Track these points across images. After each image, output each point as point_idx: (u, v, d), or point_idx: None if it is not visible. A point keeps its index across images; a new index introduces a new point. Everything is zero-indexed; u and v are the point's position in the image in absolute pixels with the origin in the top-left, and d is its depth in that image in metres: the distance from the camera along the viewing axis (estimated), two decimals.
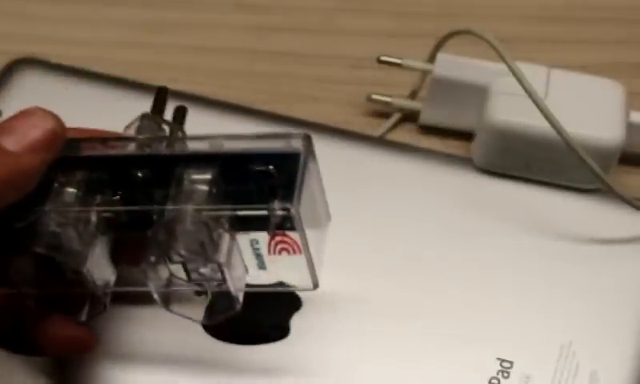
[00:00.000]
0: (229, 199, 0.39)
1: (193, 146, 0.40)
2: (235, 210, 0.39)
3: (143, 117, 0.42)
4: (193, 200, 0.39)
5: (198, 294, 0.41)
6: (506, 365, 0.44)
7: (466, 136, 0.53)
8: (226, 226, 0.39)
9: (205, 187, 0.39)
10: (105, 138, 0.41)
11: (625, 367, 0.44)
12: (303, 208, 0.38)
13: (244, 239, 0.40)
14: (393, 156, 0.51)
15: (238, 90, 0.55)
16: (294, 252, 0.40)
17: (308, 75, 0.57)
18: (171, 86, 0.52)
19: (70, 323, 0.41)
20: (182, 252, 0.39)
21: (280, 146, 0.39)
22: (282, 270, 0.40)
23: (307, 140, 0.39)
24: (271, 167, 0.39)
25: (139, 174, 0.40)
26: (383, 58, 0.54)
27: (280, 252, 0.40)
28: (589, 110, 0.50)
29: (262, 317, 0.44)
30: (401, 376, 0.44)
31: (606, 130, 0.49)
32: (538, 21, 0.60)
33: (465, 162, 0.51)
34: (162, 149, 0.40)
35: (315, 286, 0.40)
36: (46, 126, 0.39)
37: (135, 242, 0.40)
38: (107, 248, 0.40)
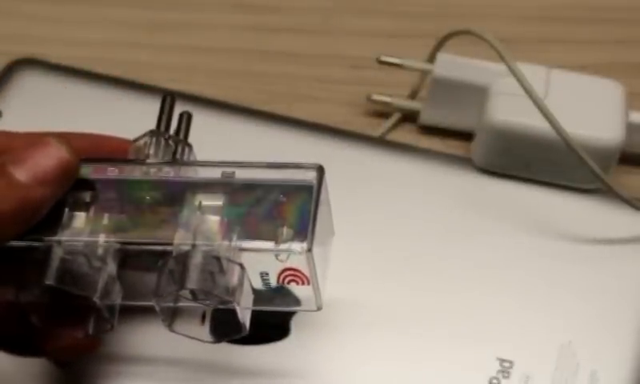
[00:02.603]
0: (238, 225, 0.39)
1: (204, 173, 0.40)
2: (247, 247, 0.39)
3: (152, 133, 0.42)
4: (204, 232, 0.39)
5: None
6: (506, 365, 0.44)
7: (466, 136, 0.53)
8: (236, 256, 0.39)
9: (216, 217, 0.39)
10: (114, 160, 0.41)
11: (625, 367, 0.44)
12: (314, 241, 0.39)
13: (254, 270, 0.40)
14: (393, 156, 0.51)
15: (237, 90, 0.55)
16: (302, 283, 0.40)
17: (308, 75, 0.57)
18: (170, 86, 0.53)
19: (74, 330, 0.41)
20: (194, 287, 0.39)
21: (293, 178, 0.40)
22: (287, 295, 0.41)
23: (320, 171, 0.40)
24: (282, 196, 0.39)
25: (147, 197, 0.40)
26: (383, 58, 0.54)
27: (288, 283, 0.40)
28: (589, 110, 0.50)
29: (262, 317, 0.44)
30: (401, 376, 0.44)
31: (606, 130, 0.49)
32: (538, 21, 0.60)
33: (465, 162, 0.51)
34: (172, 173, 0.40)
35: (319, 308, 0.41)
36: (60, 158, 0.38)
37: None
38: (115, 269, 0.40)
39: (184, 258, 0.39)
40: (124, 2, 0.59)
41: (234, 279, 0.39)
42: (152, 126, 0.42)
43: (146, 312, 0.42)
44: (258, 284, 0.40)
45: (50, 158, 0.38)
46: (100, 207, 0.40)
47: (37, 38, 0.57)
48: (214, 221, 0.39)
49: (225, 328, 0.40)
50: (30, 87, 0.53)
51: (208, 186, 0.40)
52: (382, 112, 0.55)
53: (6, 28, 0.58)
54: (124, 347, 0.44)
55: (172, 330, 0.40)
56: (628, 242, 0.48)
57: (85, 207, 0.40)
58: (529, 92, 0.48)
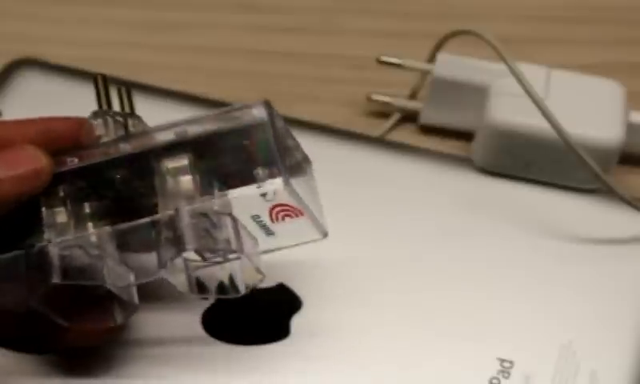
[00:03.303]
0: (212, 177, 0.39)
1: (158, 137, 0.40)
2: (227, 194, 0.39)
3: (96, 114, 0.42)
4: (182, 193, 0.39)
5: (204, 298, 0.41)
6: (507, 365, 0.44)
7: (466, 136, 0.53)
8: (224, 207, 0.39)
9: (188, 176, 0.39)
10: (72, 149, 0.41)
11: (625, 367, 0.44)
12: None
13: (244, 216, 0.40)
14: (393, 156, 0.51)
15: (237, 89, 0.55)
16: (296, 215, 0.40)
17: (308, 75, 0.57)
18: (171, 86, 0.53)
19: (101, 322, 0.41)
20: (194, 246, 0.39)
21: (244, 120, 0.40)
22: (289, 231, 0.41)
23: (268, 106, 0.40)
24: (243, 139, 0.39)
25: (117, 176, 0.40)
26: (383, 58, 0.54)
27: (283, 218, 0.40)
28: (589, 110, 0.50)
29: (262, 317, 0.44)
30: (401, 376, 0.44)
31: (606, 130, 0.49)
32: (538, 21, 0.60)
33: (465, 162, 0.51)
34: (129, 147, 0.40)
35: (325, 235, 0.41)
36: (33, 164, 0.39)
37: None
38: (115, 252, 0.40)
39: (173, 224, 0.39)
40: (124, 2, 0.59)
41: (229, 230, 0.39)
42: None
43: (145, 313, 0.42)
44: (254, 227, 0.40)
45: (23, 163, 0.39)
46: (76, 198, 0.40)
47: (37, 38, 0.57)
48: (186, 180, 0.39)
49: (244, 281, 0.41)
50: (30, 87, 0.53)
51: (169, 150, 0.40)
52: (382, 112, 0.55)
53: (6, 28, 0.58)
54: (121, 348, 0.44)
55: (197, 296, 0.41)
56: (628, 242, 0.48)
57: (61, 202, 0.40)
58: (529, 92, 0.48)
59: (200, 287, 0.41)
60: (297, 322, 0.45)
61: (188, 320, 0.44)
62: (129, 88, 0.43)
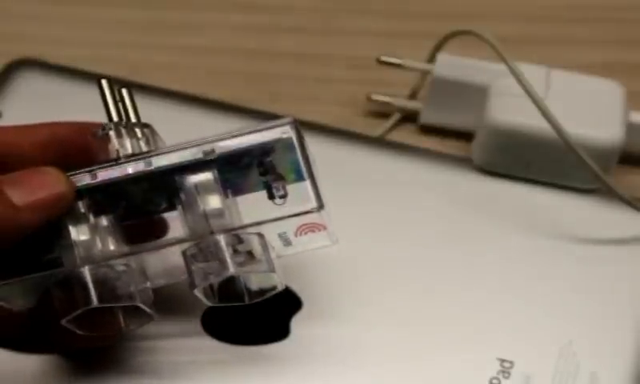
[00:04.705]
0: (239, 194, 0.40)
1: (184, 153, 0.40)
2: (264, 220, 0.40)
3: (110, 125, 0.41)
4: (213, 213, 0.39)
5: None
6: (507, 365, 0.44)
7: (466, 136, 0.53)
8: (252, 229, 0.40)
9: (216, 195, 0.39)
10: (98, 165, 0.40)
11: (625, 367, 0.44)
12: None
13: (272, 235, 0.40)
14: (393, 156, 0.51)
15: (237, 90, 0.55)
16: (319, 230, 0.40)
17: (308, 75, 0.57)
18: (171, 86, 0.53)
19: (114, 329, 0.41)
20: (234, 272, 0.39)
21: (272, 137, 0.40)
22: (305, 241, 0.41)
23: (295, 124, 0.40)
24: (269, 157, 0.40)
25: (137, 190, 0.40)
26: (383, 58, 0.54)
27: (306, 234, 0.40)
28: (589, 110, 0.50)
29: (262, 317, 0.44)
30: (401, 376, 0.44)
31: (606, 130, 0.49)
32: (538, 21, 0.60)
33: (465, 162, 0.51)
34: (153, 163, 0.40)
35: (335, 242, 0.41)
36: (56, 189, 0.38)
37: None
38: (138, 264, 0.40)
39: (207, 246, 0.39)
40: (123, 1, 0.59)
41: (259, 249, 0.39)
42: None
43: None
44: (278, 243, 0.41)
45: (45, 187, 0.38)
46: (97, 212, 0.40)
47: (37, 38, 0.57)
48: (216, 199, 0.40)
49: (259, 288, 0.41)
50: (30, 87, 0.53)
51: (196, 167, 0.40)
52: (382, 112, 0.55)
53: (6, 28, 0.58)
54: (120, 348, 0.44)
55: (218, 305, 0.41)
56: (628, 242, 0.48)
57: (84, 218, 0.40)
58: (529, 92, 0.48)
59: (218, 295, 0.41)
60: (297, 321, 0.45)
61: (188, 320, 0.44)
62: (129, 90, 0.42)
